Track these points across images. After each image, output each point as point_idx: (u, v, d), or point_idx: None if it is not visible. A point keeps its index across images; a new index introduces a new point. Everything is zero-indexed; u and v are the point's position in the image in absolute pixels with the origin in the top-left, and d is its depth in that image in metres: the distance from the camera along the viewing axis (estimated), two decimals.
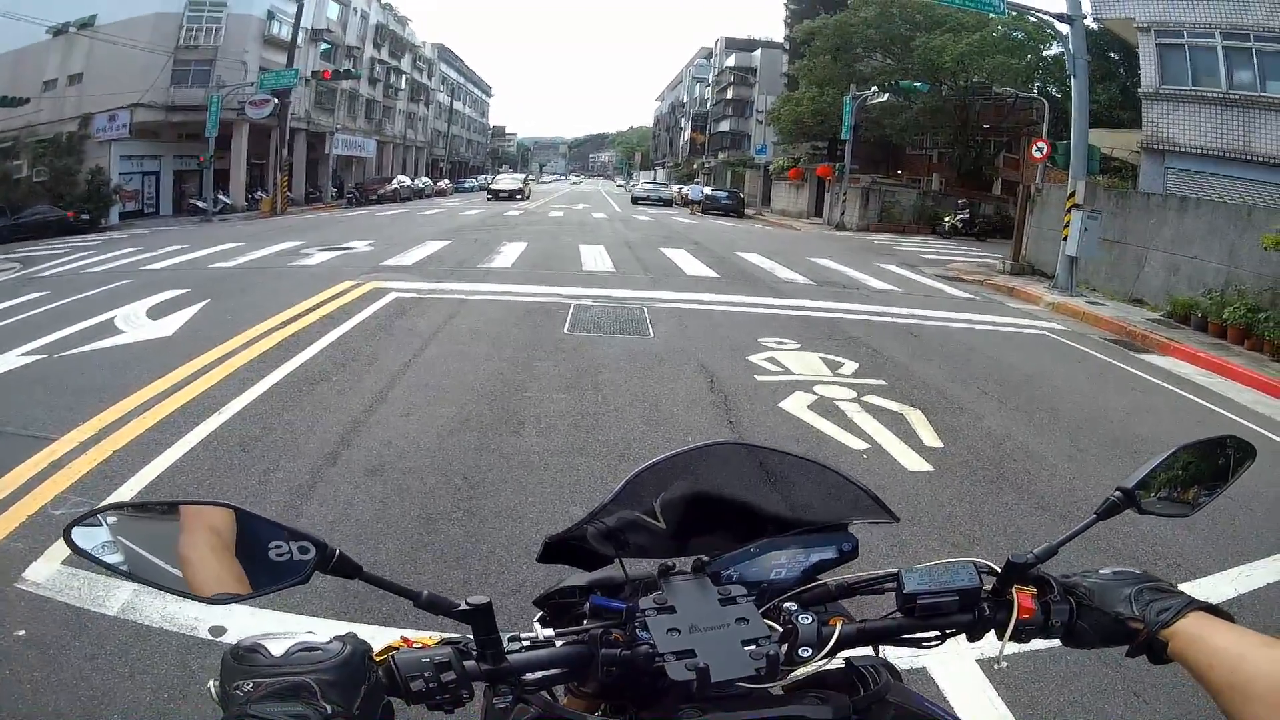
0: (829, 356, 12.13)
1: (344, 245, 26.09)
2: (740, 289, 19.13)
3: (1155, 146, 28.79)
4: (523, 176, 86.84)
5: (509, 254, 24.56)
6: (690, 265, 23.64)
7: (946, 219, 46.03)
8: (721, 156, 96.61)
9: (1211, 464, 1.82)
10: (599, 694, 1.58)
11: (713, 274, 21.90)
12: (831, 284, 21.16)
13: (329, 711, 1.22)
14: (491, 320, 14.19)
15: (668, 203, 71.82)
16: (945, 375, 11.62)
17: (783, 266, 24.18)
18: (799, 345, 12.80)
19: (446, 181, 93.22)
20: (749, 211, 63.52)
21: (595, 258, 24.33)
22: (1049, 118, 34.37)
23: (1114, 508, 1.69)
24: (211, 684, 1.29)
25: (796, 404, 9.74)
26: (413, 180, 77.83)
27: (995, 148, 52.70)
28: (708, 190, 68.86)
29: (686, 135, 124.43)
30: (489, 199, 68.88)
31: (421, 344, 12.08)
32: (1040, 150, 27.49)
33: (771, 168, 69.12)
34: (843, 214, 47.65)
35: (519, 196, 69.25)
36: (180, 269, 20.68)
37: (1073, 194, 21.60)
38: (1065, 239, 21.31)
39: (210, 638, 4.61)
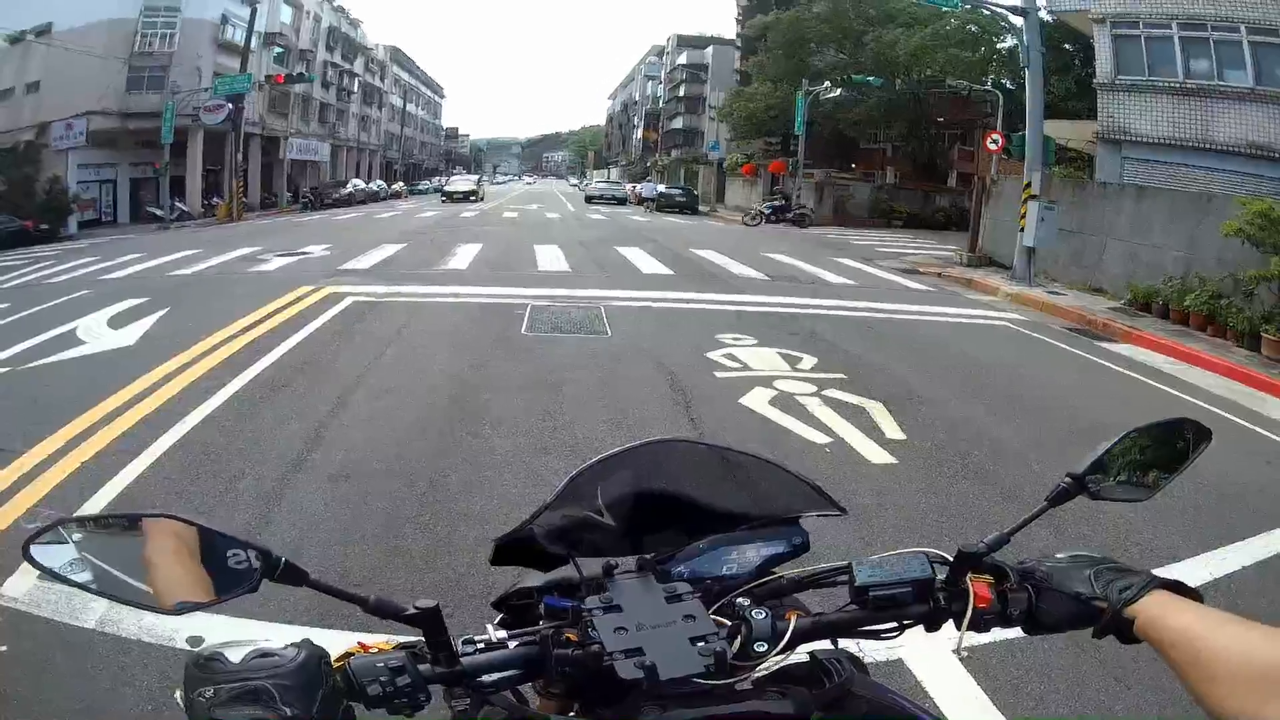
0: (788, 352, 12.04)
1: (301, 250, 25.85)
2: (697, 286, 19.07)
3: (1111, 137, 28.90)
4: (476, 178, 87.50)
5: (465, 255, 24.49)
6: (646, 263, 23.60)
7: (755, 206, 49.07)
8: (675, 154, 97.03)
9: (1167, 447, 1.80)
10: (567, 694, 1.57)
11: (669, 271, 21.89)
12: (787, 279, 21.15)
13: (288, 714, 1.22)
14: (449, 322, 14.17)
15: (621, 201, 71.76)
16: (906, 368, 11.55)
17: (738, 263, 24.18)
18: (757, 341, 12.71)
19: (401, 184, 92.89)
20: (703, 208, 63.46)
21: (551, 258, 24.28)
22: (1003, 110, 34.57)
23: (1065, 494, 1.66)
24: (177, 693, 1.28)
25: (757, 400, 9.65)
26: (368, 184, 77.57)
27: (949, 140, 53.08)
28: (661, 188, 69.24)
29: (639, 134, 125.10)
30: (443, 201, 68.67)
31: (380, 348, 11.97)
32: (995, 142, 27.79)
33: (725, 164, 69.19)
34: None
35: (473, 198, 69.23)
36: (140, 277, 20.40)
37: (1028, 185, 21.54)
38: (1022, 230, 21.32)
39: (188, 648, 4.50)
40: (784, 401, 9.60)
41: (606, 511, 1.66)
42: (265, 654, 1.28)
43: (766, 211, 47.56)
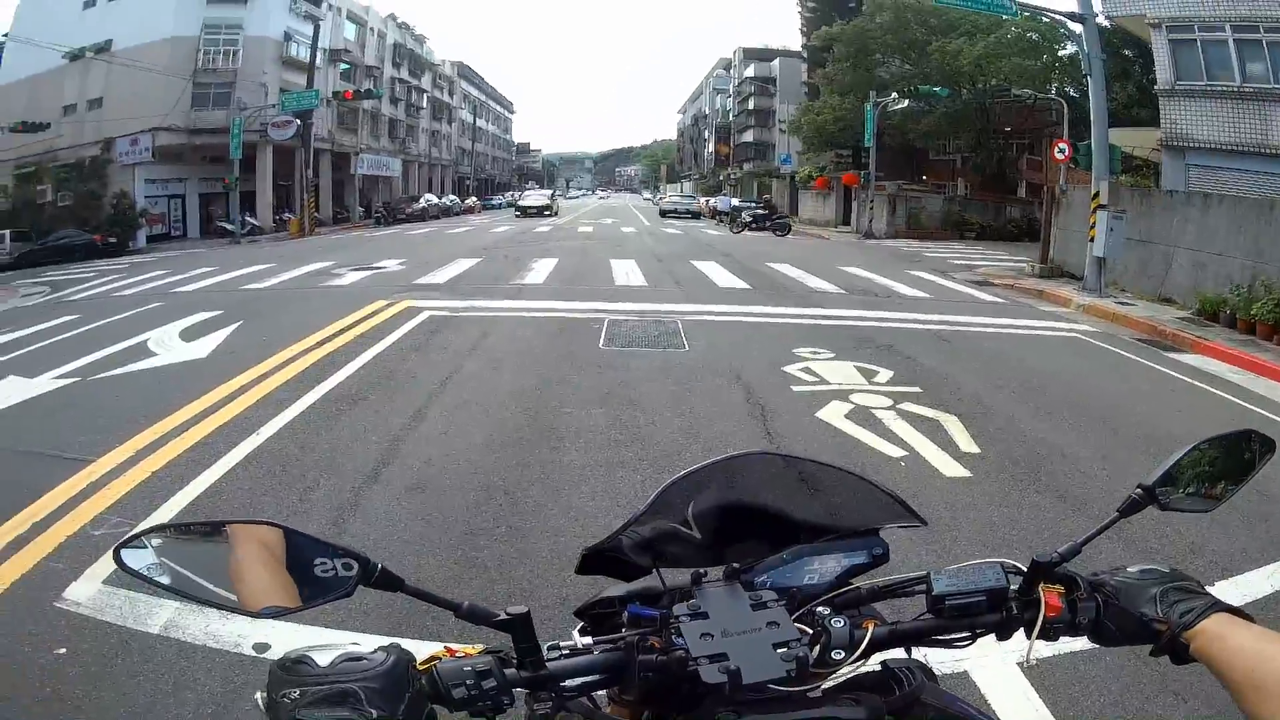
0: (864, 365, 12.23)
1: (375, 265, 26.49)
2: (772, 299, 19.26)
3: (1175, 144, 28.75)
4: (550, 192, 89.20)
5: (540, 270, 24.83)
6: (721, 277, 23.82)
7: (738, 218, 50.92)
8: (747, 167, 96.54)
9: (1233, 459, 1.82)
10: (640, 700, 1.61)
11: (744, 285, 22.10)
12: (862, 292, 21.24)
13: (374, 716, 1.27)
14: (525, 337, 14.38)
15: (695, 215, 72.21)
16: (980, 381, 11.68)
17: (813, 276, 24.30)
18: (833, 354, 12.87)
19: (474, 199, 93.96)
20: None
21: (627, 272, 24.54)
22: (1069, 118, 33.97)
23: (1135, 505, 1.70)
24: (259, 695, 1.34)
25: (834, 413, 9.81)
26: (440, 198, 78.56)
27: (1017, 150, 52.36)
28: (735, 201, 68.32)
29: (710, 147, 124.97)
30: (517, 215, 69.40)
31: (457, 362, 12.26)
32: (1062, 151, 27.43)
33: (797, 177, 68.89)
34: (870, 222, 47.39)
35: (547, 212, 69.85)
36: (212, 291, 21.00)
37: (1096, 194, 21.60)
38: (1092, 240, 21.27)
39: (254, 654, 4.67)
40: (860, 415, 9.77)
41: (693, 523, 1.71)
42: (354, 658, 1.34)
43: (748, 220, 49.42)
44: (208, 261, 29.48)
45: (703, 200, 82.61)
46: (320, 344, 13.14)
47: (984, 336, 15.55)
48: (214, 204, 51.14)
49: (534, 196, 78.92)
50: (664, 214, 73.24)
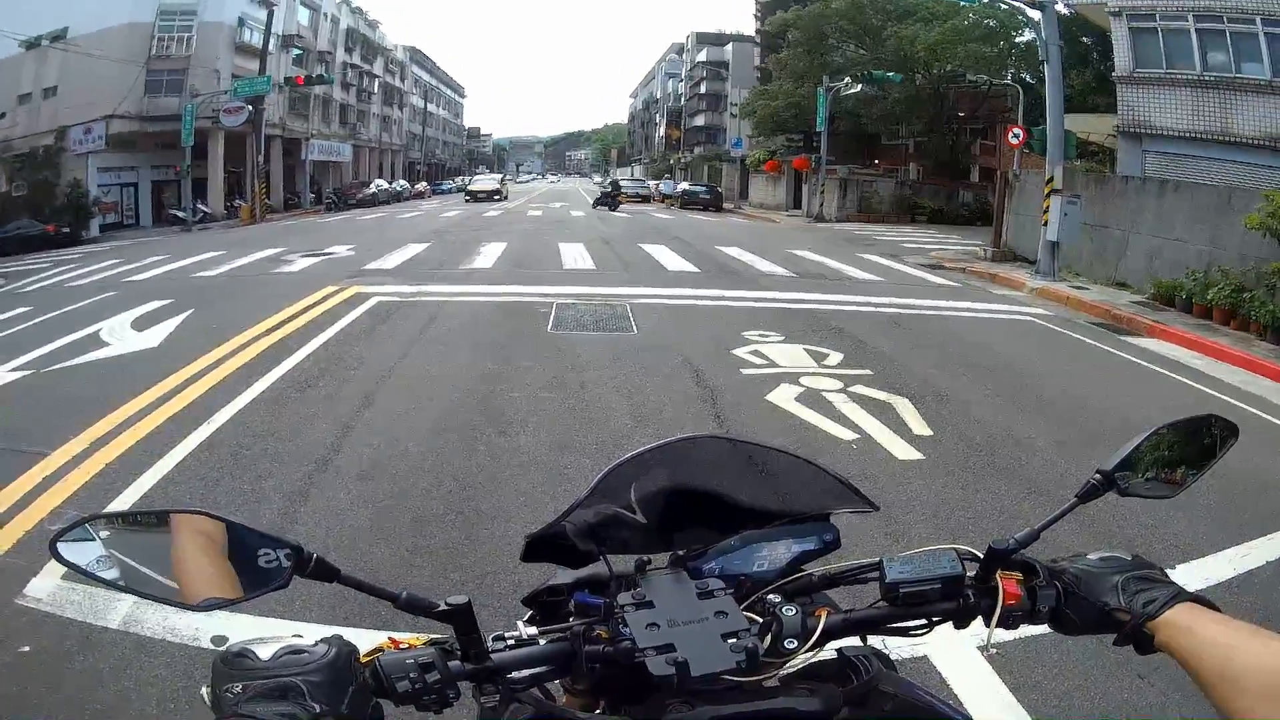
0: (814, 348, 12.09)
1: (325, 251, 26.09)
2: (722, 283, 19.11)
3: (1132, 130, 28.73)
4: (500, 177, 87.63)
5: (489, 254, 24.70)
6: (671, 261, 23.67)
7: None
8: (698, 151, 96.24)
9: (1195, 444, 1.81)
10: (593, 691, 1.57)
11: (694, 269, 21.93)
12: (813, 275, 21.15)
13: (317, 710, 1.22)
14: (474, 321, 14.19)
15: (645, 199, 71.88)
16: (932, 364, 11.56)
17: (763, 260, 24.19)
18: (783, 337, 12.74)
19: (424, 184, 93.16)
20: (727, 205, 63.37)
21: (576, 256, 24.38)
22: (1024, 104, 34.38)
23: (1094, 490, 1.67)
24: (204, 690, 1.29)
25: (783, 396, 9.70)
26: (390, 183, 77.63)
27: (970, 135, 52.70)
28: (684, 185, 69.18)
29: (661, 131, 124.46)
30: (467, 200, 68.53)
31: (405, 348, 12.06)
32: (1016, 136, 27.50)
33: (748, 161, 68.80)
34: (821, 206, 47.42)
35: (497, 196, 69.08)
36: (163, 279, 20.60)
37: (1050, 179, 21.51)
38: (1045, 225, 21.27)
39: (212, 647, 4.55)
40: (810, 398, 9.65)
41: (638, 508, 1.67)
42: (295, 650, 1.30)
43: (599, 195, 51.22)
44: (160, 250, 28.99)
45: (651, 184, 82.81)
46: (270, 331, 12.88)
47: (935, 319, 15.47)
48: (167, 192, 50.36)
49: (484, 181, 77.97)
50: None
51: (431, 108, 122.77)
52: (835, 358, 11.55)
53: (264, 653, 1.28)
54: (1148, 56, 27.94)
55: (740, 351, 11.78)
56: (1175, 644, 1.37)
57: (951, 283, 21.20)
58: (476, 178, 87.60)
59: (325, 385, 10.04)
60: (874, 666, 1.53)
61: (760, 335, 12.82)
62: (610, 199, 58.32)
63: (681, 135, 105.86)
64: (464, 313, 14.95)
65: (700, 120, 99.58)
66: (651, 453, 1.67)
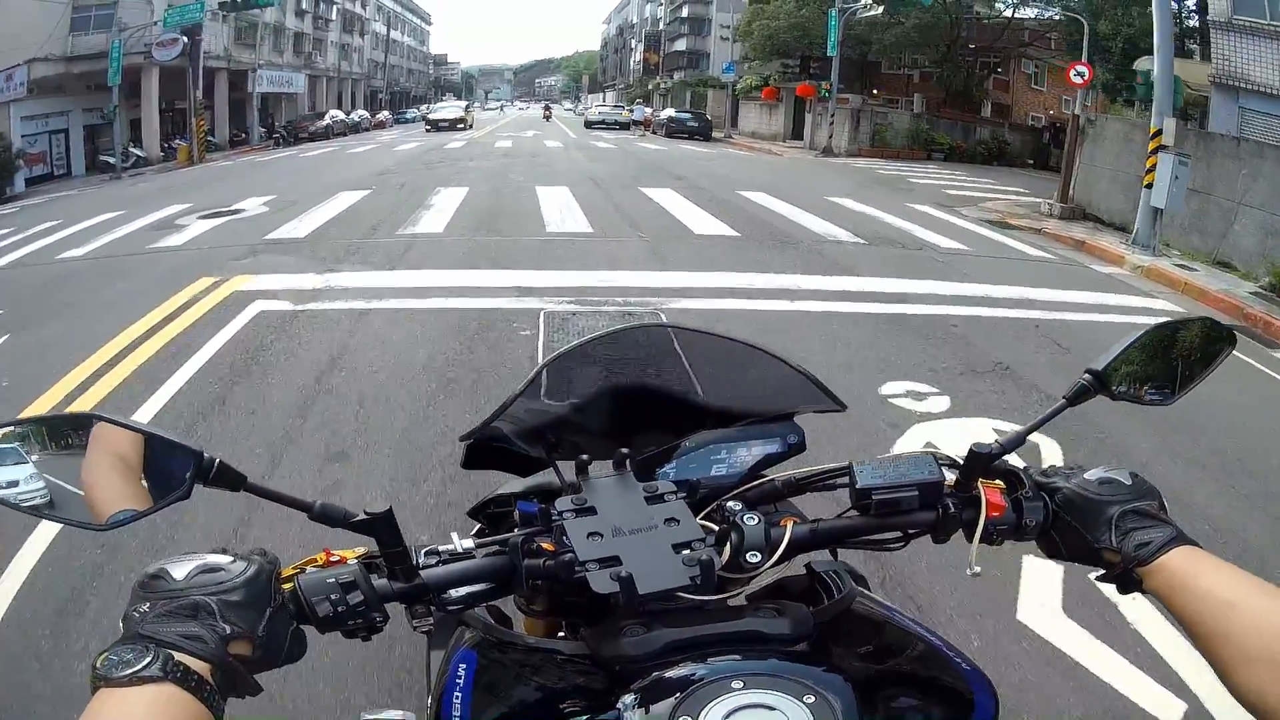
0: (1001, 425, 7.17)
1: (235, 207, 20.29)
2: (781, 259, 13.94)
3: (1226, 82, 25.22)
4: (464, 104, 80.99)
5: (444, 207, 19.13)
6: (691, 215, 18.33)
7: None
8: (678, 77, 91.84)
9: (1191, 348, 1.69)
10: (549, 611, 1.53)
11: (729, 230, 16.67)
12: (886, 241, 16.24)
13: (227, 632, 1.13)
14: (406, 362, 8.60)
15: (624, 126, 67.50)
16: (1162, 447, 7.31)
17: (808, 214, 19.02)
18: (939, 391, 7.97)
19: (386, 113, 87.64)
20: (716, 134, 58.80)
21: (561, 208, 18.91)
22: (1087, 39, 30.81)
23: (1084, 392, 1.55)
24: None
25: (1033, 592, 5.02)
26: (348, 115, 72.01)
27: (982, 69, 49.57)
28: (669, 111, 64.92)
29: (638, 56, 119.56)
30: (427, 130, 62.75)
31: (272, 453, 6.61)
32: (1080, 75, 24.65)
33: (738, 87, 63.63)
34: (830, 138, 42.91)
35: (460, 125, 63.63)
36: (18, 267, 15.32)
37: (1158, 133, 17.09)
38: (1147, 187, 16.98)
39: None
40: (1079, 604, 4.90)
41: (586, 407, 1.61)
42: (211, 569, 1.17)
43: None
44: (64, 210, 23.34)
45: (648, 111, 76.42)
46: (82, 388, 7.92)
47: (1085, 329, 10.93)
48: (101, 136, 45.18)
49: (446, 109, 71.54)
50: (590, 125, 68.51)
51: (396, 35, 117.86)
52: (1051, 450, 6.56)
53: (178, 572, 1.16)
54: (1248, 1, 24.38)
55: (892, 436, 6.98)
56: (1168, 589, 1.29)
57: (1044, 254, 16.82)
58: (438, 105, 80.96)
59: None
60: (846, 584, 1.45)
61: (909, 394, 7.93)
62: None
63: (660, 60, 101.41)
64: (390, 340, 9.36)
65: (681, 45, 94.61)
66: (601, 340, 1.62)
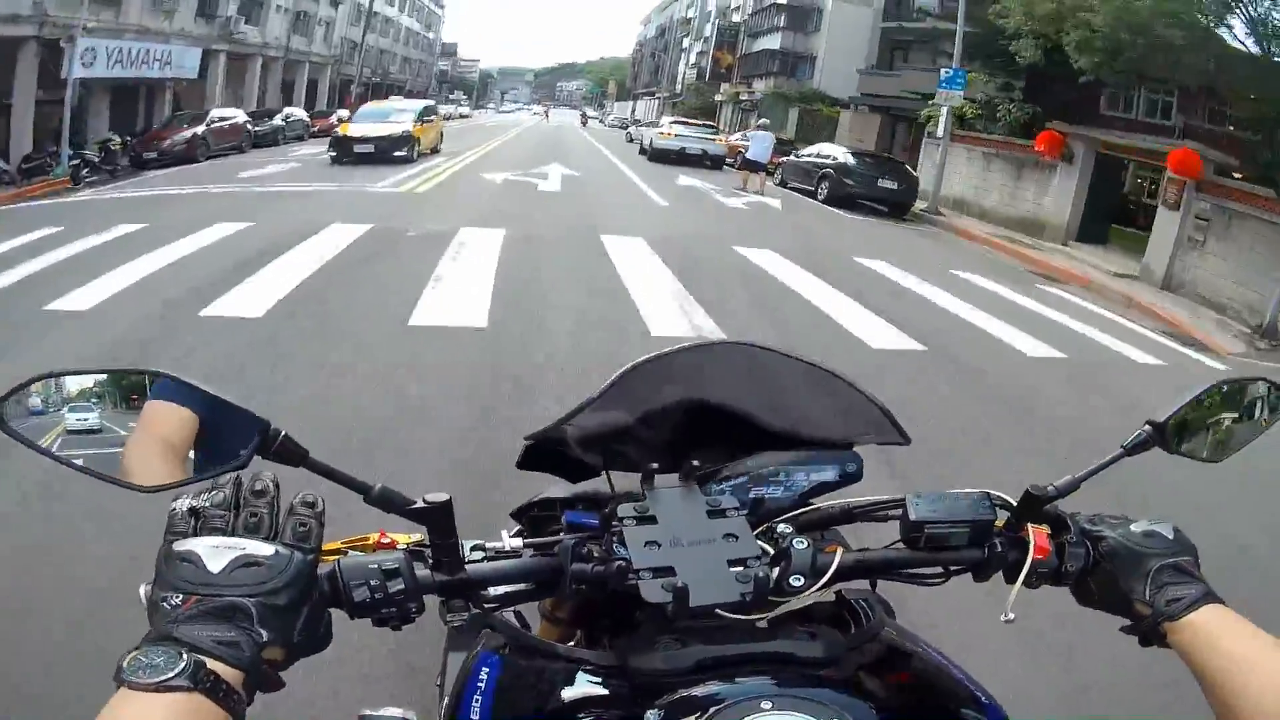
0: None
1: None
2: None
3: None
4: (421, 106, 39.51)
5: None
6: None
7: None
8: (761, 86, 65.62)
9: (1247, 407, 1.68)
10: (574, 619, 1.59)
11: None
12: None
13: (264, 639, 1.08)
14: None
15: (716, 163, 38.40)
16: None
17: None
18: None
19: (344, 112, 52.75)
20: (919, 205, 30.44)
21: None
22: None
23: (1143, 444, 1.53)
24: (143, 588, 1.13)
25: None
26: (271, 118, 45.67)
27: None
28: (840, 152, 31.87)
29: (690, 59, 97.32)
30: (333, 160, 31.49)
31: None
32: None
33: (926, 116, 33.76)
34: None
35: (399, 151, 31.64)
36: None
37: None
38: None
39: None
40: None
41: (652, 418, 1.58)
42: (250, 562, 1.11)
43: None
44: None
45: (733, 139, 43.37)
46: None
47: None
48: None
49: (369, 121, 33.74)
50: (657, 156, 38.93)
51: (392, 11, 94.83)
52: None
53: (213, 563, 1.10)
54: None
55: None
56: (1191, 649, 1.29)
57: None
58: (364, 110, 39.94)
59: None
60: (877, 614, 1.45)
61: None
62: None
63: (734, 62, 75.94)
64: None
65: (770, 42, 66.46)
66: (669, 357, 1.57)
